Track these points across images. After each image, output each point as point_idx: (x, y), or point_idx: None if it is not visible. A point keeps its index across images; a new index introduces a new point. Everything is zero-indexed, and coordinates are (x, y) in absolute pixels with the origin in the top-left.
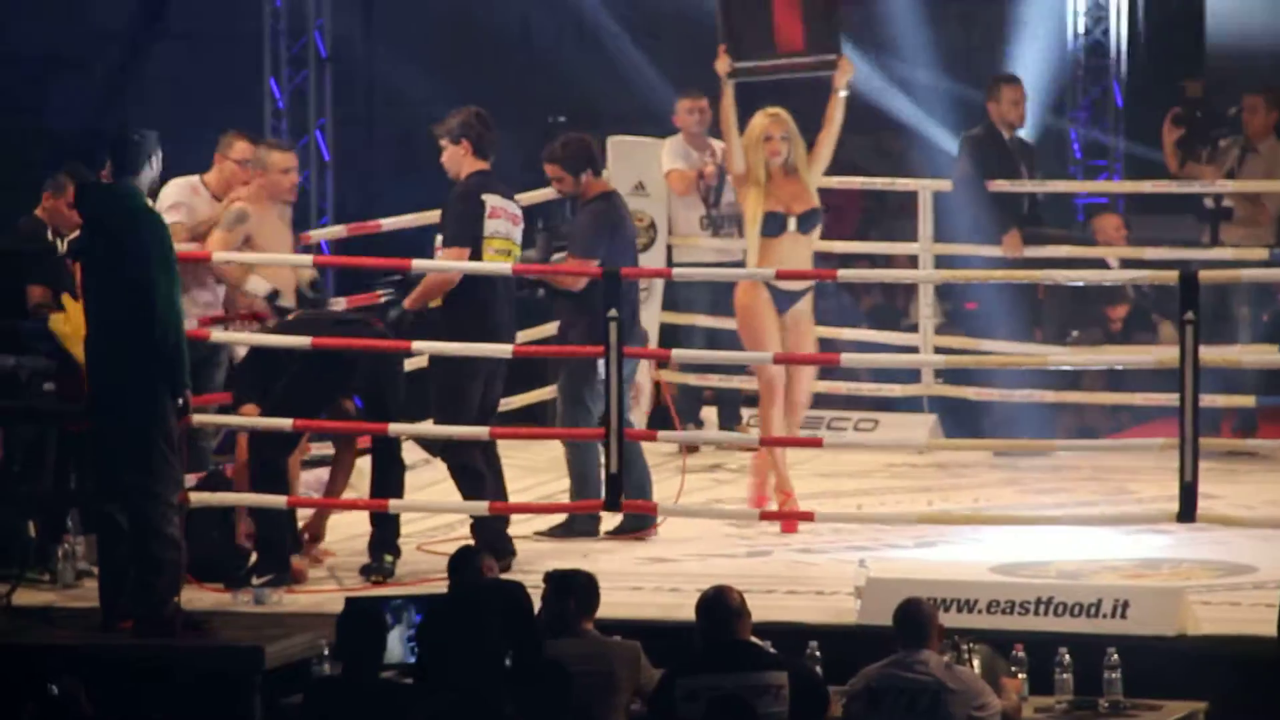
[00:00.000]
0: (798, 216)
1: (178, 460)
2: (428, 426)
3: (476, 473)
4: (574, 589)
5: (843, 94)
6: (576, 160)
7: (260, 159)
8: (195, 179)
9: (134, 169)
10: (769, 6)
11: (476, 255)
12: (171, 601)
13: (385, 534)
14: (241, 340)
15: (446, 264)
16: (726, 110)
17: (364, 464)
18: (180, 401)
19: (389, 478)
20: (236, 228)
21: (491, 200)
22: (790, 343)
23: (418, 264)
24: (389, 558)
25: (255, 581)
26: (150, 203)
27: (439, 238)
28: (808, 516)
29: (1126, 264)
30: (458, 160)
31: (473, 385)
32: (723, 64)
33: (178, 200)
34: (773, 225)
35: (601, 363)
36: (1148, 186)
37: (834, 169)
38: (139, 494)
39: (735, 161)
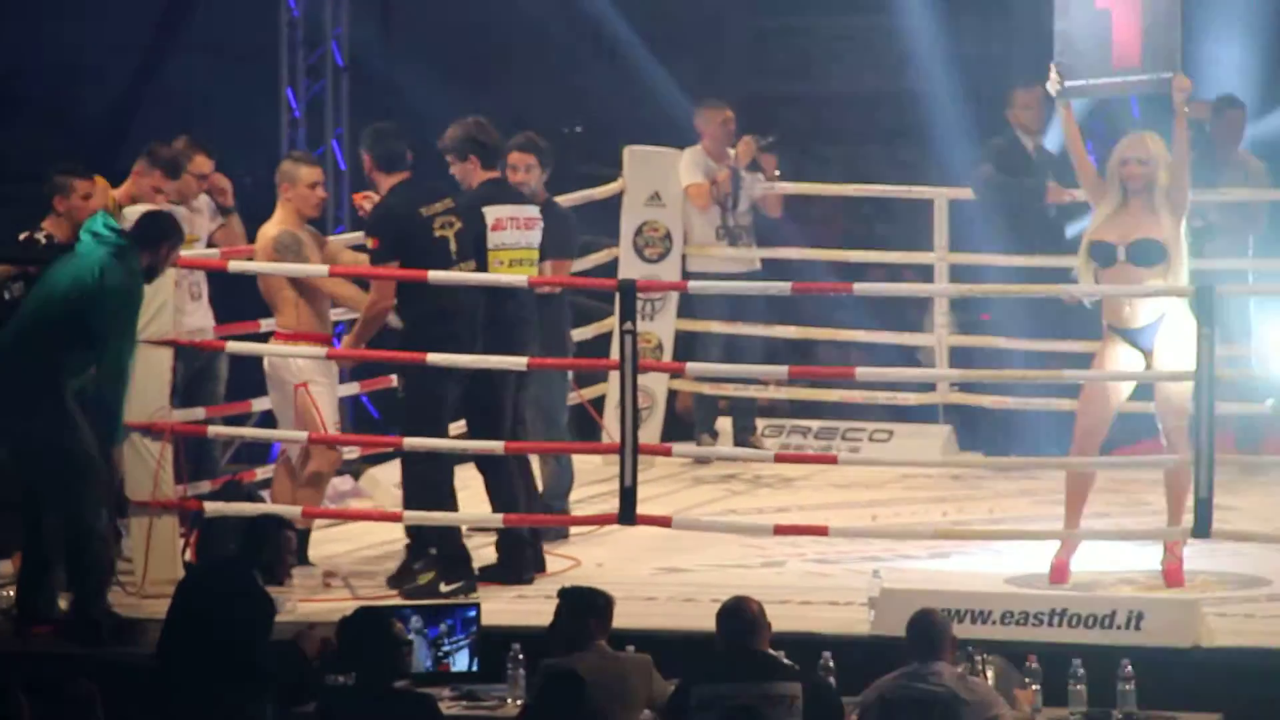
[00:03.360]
0: (1128, 246)
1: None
2: (438, 440)
3: (435, 486)
4: (594, 609)
5: (1186, 110)
6: (548, 151)
7: (288, 173)
8: None
9: (151, 244)
10: (1108, 22)
11: (483, 268)
12: (99, 604)
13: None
14: (255, 351)
15: (465, 275)
16: (1070, 130)
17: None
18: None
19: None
20: (302, 250)
21: (495, 212)
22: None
23: (433, 275)
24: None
25: (444, 589)
26: (128, 267)
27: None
28: (822, 531)
29: None
30: (468, 174)
31: (442, 395)
32: (1053, 84)
33: None
34: (1101, 255)
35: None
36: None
37: (848, 177)
38: (72, 512)
39: (1090, 185)
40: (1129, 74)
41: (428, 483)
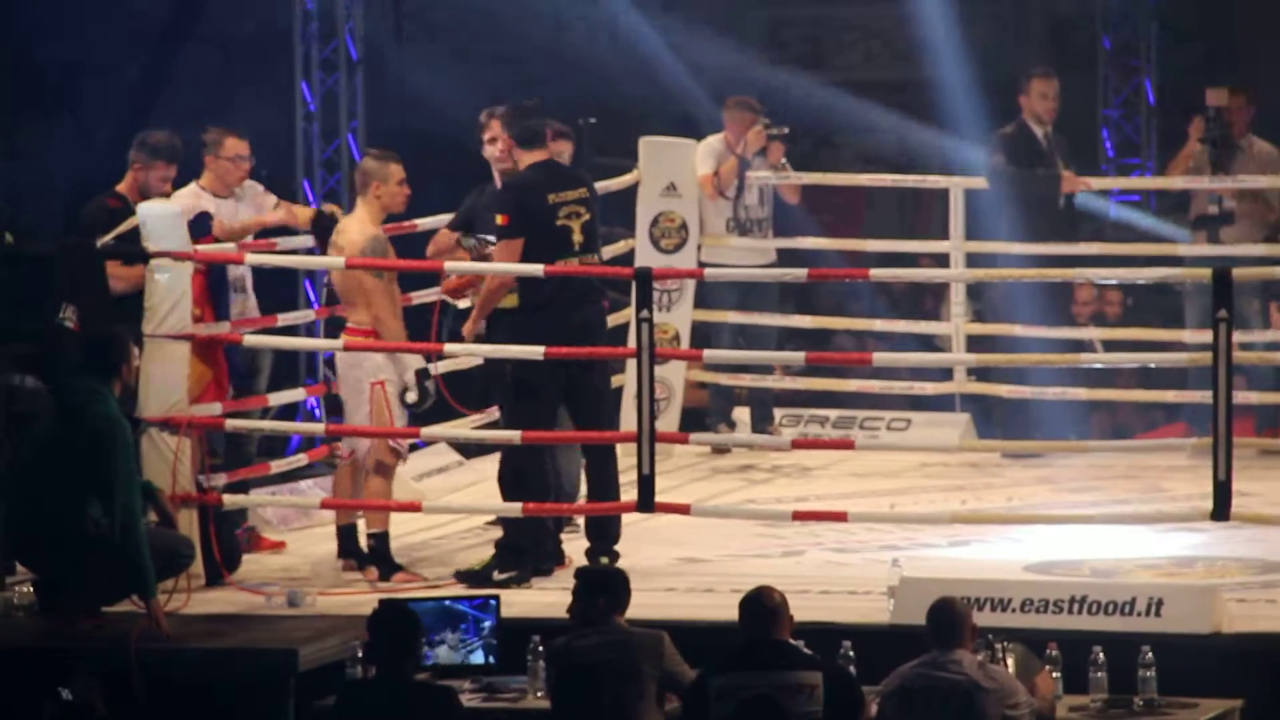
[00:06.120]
0: None
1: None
2: (457, 430)
3: (528, 475)
4: (606, 588)
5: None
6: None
7: (377, 172)
8: (192, 187)
9: (110, 373)
10: None
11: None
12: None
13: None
14: (280, 345)
15: (474, 265)
16: None
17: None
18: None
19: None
20: (389, 255)
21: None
22: None
23: (449, 265)
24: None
25: (496, 576)
26: (107, 410)
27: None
28: (840, 517)
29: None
30: (520, 154)
31: (541, 385)
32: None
33: (198, 208)
34: None
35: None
36: (1180, 183)
37: (862, 167)
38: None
39: None
40: None
41: (522, 472)
